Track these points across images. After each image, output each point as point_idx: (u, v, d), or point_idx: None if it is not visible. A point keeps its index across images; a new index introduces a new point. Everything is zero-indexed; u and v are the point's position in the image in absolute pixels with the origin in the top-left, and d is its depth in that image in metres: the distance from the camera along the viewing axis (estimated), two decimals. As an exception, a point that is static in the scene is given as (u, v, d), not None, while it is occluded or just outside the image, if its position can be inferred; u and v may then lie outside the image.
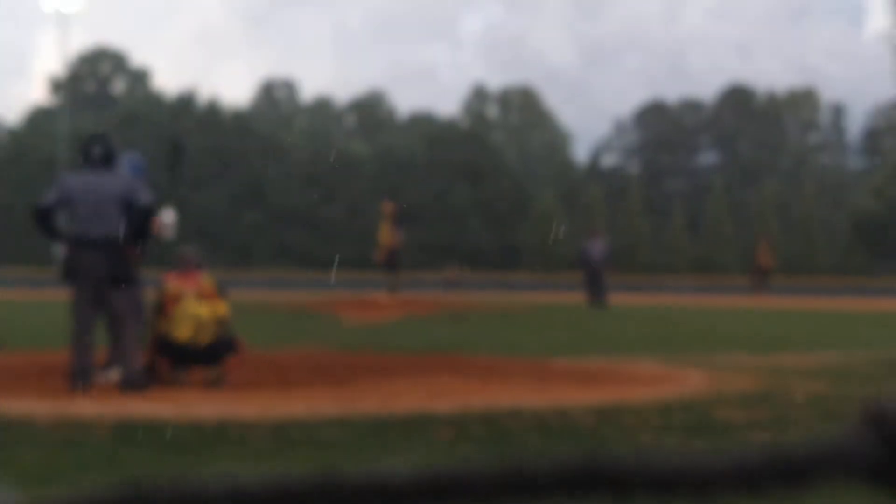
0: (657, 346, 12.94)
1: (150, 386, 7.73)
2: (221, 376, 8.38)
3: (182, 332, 8.41)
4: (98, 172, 8.03)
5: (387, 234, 21.66)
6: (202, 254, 8.97)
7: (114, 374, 8.85)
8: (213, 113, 72.74)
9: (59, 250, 8.94)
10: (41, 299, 8.09)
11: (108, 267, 7.79)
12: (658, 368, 10.04)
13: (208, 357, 8.48)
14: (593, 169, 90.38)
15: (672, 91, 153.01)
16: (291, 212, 70.92)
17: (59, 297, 8.21)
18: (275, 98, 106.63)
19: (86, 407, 6.87)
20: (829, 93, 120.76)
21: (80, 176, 8.09)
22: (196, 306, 8.47)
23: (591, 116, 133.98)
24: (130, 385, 7.60)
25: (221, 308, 8.52)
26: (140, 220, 7.96)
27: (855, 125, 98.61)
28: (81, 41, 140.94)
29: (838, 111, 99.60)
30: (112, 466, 5.33)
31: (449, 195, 73.59)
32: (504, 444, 6.16)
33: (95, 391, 7.56)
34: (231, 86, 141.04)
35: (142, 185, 8.12)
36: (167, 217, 8.90)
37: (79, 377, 7.62)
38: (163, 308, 8.53)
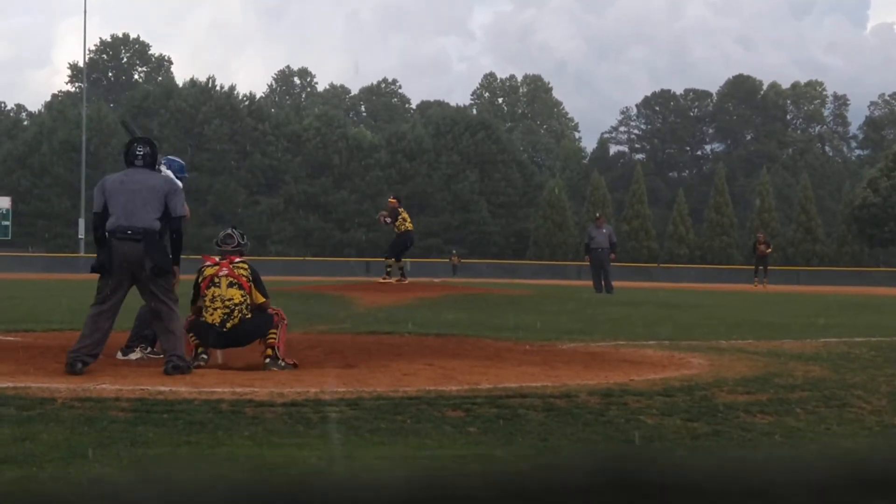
0: (660, 332, 13.08)
1: (193, 371, 7.88)
2: (275, 355, 8.53)
3: (212, 315, 8.65)
4: (137, 171, 8.18)
5: (406, 221, 22.24)
6: (241, 239, 9.10)
7: (134, 356, 9.05)
8: (230, 101, 72.68)
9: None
10: (63, 280, 8.24)
11: (147, 257, 7.90)
12: (661, 353, 10.18)
13: (238, 340, 8.69)
14: (599, 157, 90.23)
15: (677, 82, 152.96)
16: (306, 197, 71.04)
17: (81, 279, 8.34)
18: (290, 87, 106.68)
19: (105, 386, 7.02)
20: (831, 85, 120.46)
21: (121, 173, 8.25)
22: (228, 291, 8.68)
23: (597, 106, 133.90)
24: (177, 370, 7.75)
25: (258, 297, 8.77)
26: (173, 229, 8.12)
27: (857, 117, 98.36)
28: (102, 31, 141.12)
29: (841, 103, 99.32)
30: (131, 444, 5.48)
31: (457, 182, 73.54)
32: (511, 424, 6.33)
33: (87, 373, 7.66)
34: (248, 75, 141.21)
35: (180, 193, 8.24)
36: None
37: (78, 359, 7.71)
38: (198, 289, 8.78)
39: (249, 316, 8.70)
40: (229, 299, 8.68)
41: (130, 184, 8.05)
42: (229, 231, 9.18)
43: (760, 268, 38.41)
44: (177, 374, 7.67)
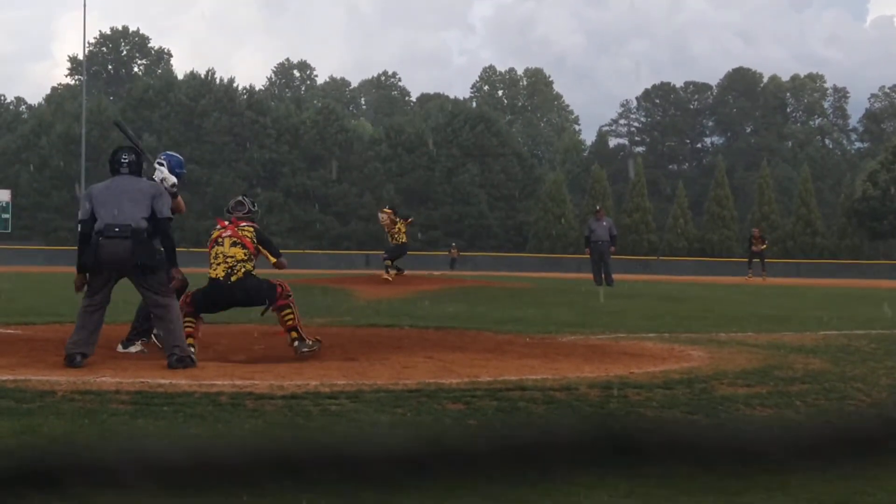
0: (660, 324, 13.09)
1: (197, 365, 7.89)
2: (301, 337, 8.74)
3: (215, 270, 8.86)
4: (123, 177, 8.27)
5: (401, 233, 22.52)
6: (252, 206, 9.26)
7: (134, 349, 9.07)
8: (228, 94, 72.57)
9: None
10: (63, 273, 8.26)
11: (136, 255, 7.94)
12: (661, 346, 10.19)
13: (243, 297, 8.80)
14: (599, 150, 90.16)
15: (677, 75, 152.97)
16: (304, 190, 70.99)
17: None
18: (290, 79, 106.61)
19: (105, 378, 7.03)
20: (831, 77, 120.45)
21: (105, 182, 8.34)
22: (230, 249, 8.86)
23: (597, 99, 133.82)
24: (181, 362, 7.77)
25: (270, 258, 8.98)
26: (160, 230, 8.14)
27: (857, 109, 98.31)
28: (102, 24, 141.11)
29: (841, 95, 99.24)
30: (131, 437, 5.49)
31: (457, 175, 73.52)
32: (511, 417, 6.33)
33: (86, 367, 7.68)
34: (248, 68, 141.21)
35: (166, 197, 8.29)
36: (157, 175, 9.19)
37: (76, 352, 7.75)
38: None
39: (254, 273, 8.87)
40: (231, 256, 8.86)
41: (116, 188, 8.16)
42: (240, 198, 9.40)
43: (756, 261, 38.52)
44: (180, 367, 7.69)
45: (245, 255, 8.85)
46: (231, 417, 6.02)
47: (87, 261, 8.01)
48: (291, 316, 8.79)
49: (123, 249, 7.92)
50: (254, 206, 9.31)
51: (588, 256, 28.32)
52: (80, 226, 8.22)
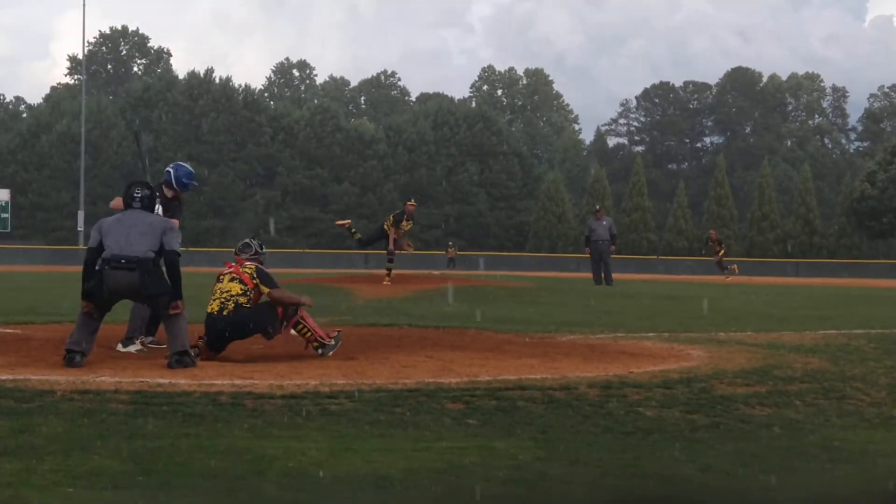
0: (659, 324, 13.09)
1: (196, 365, 7.92)
2: (321, 343, 8.79)
3: (210, 306, 8.85)
4: (135, 212, 8.32)
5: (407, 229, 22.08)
6: (259, 248, 9.28)
7: (134, 348, 9.09)
8: (226, 93, 72.50)
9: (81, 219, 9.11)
10: (63, 273, 8.27)
11: (144, 285, 7.99)
12: (660, 345, 10.19)
13: (236, 330, 8.73)
14: (598, 150, 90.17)
15: (676, 75, 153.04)
16: (303, 189, 70.97)
17: (80, 271, 8.33)
18: (289, 79, 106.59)
19: (104, 378, 7.03)
20: (831, 77, 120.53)
21: (118, 215, 8.39)
22: (227, 284, 8.87)
23: (596, 99, 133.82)
24: (180, 363, 7.79)
25: (264, 290, 8.86)
26: (168, 263, 8.17)
27: (856, 109, 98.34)
28: (101, 23, 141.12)
29: (840, 95, 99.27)
30: (130, 437, 5.49)
31: (457, 174, 73.50)
32: (510, 416, 6.33)
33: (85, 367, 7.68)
34: (247, 67, 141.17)
35: (175, 231, 8.33)
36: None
37: (76, 352, 7.76)
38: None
39: (249, 306, 8.76)
40: (227, 291, 8.85)
41: (127, 221, 8.22)
42: (247, 240, 9.45)
43: (726, 260, 38.80)
44: (179, 368, 7.70)
45: (241, 290, 8.81)
46: (231, 417, 6.02)
47: (95, 290, 8.04)
48: (305, 328, 8.83)
49: (130, 280, 7.98)
50: (261, 249, 9.33)
51: (588, 256, 28.33)
52: (87, 254, 8.27)
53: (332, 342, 8.84)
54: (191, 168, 10.07)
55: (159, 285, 8.09)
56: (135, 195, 8.39)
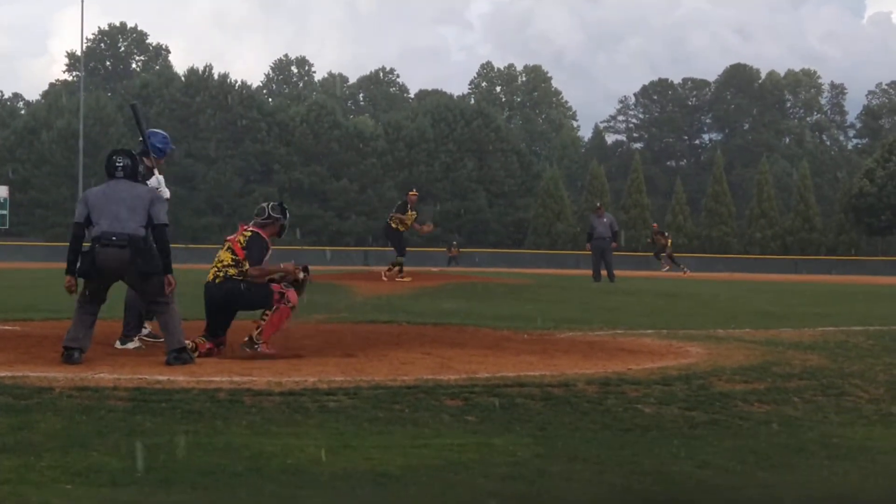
0: (658, 321, 13.09)
1: (194, 361, 7.89)
2: (251, 340, 8.54)
3: (209, 275, 8.83)
4: (119, 182, 8.18)
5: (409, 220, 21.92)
6: (275, 214, 9.05)
7: (132, 345, 9.07)
8: (224, 89, 72.42)
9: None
10: (62, 269, 8.26)
11: (135, 263, 7.91)
12: (659, 342, 10.20)
13: (224, 301, 8.68)
14: (597, 147, 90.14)
15: (675, 72, 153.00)
16: (302, 186, 70.92)
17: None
18: (288, 76, 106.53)
19: (103, 375, 7.02)
20: (829, 74, 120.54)
21: (104, 185, 8.25)
22: (222, 253, 8.84)
23: (595, 96, 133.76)
24: (178, 360, 7.78)
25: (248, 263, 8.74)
26: (157, 237, 8.08)
27: (854, 106, 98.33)
28: (100, 20, 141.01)
29: (838, 92, 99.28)
30: (129, 434, 5.48)
31: (455, 171, 73.45)
32: (509, 413, 6.33)
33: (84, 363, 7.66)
34: (246, 64, 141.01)
35: (162, 201, 8.22)
36: (152, 181, 9.24)
37: (74, 349, 7.73)
38: None
39: (240, 279, 8.67)
40: (221, 260, 8.78)
41: (113, 194, 8.07)
42: (262, 204, 9.29)
43: (663, 255, 38.64)
44: (178, 364, 7.69)
45: (232, 260, 8.70)
46: (229, 414, 6.02)
47: (85, 268, 7.99)
48: (265, 319, 8.59)
49: (122, 258, 7.88)
50: (279, 214, 9.07)
51: (590, 253, 28.35)
52: (73, 227, 8.19)
53: (258, 348, 8.45)
54: (164, 133, 9.93)
55: (151, 263, 7.98)
56: (117, 164, 8.21)
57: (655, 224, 43.22)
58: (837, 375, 8.15)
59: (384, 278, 21.66)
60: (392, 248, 22.61)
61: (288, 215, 9.23)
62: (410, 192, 22.86)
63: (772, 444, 5.80)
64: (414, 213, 22.15)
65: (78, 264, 8.03)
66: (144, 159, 9.44)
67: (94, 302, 8.07)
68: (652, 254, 39.81)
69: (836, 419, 6.66)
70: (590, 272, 28.21)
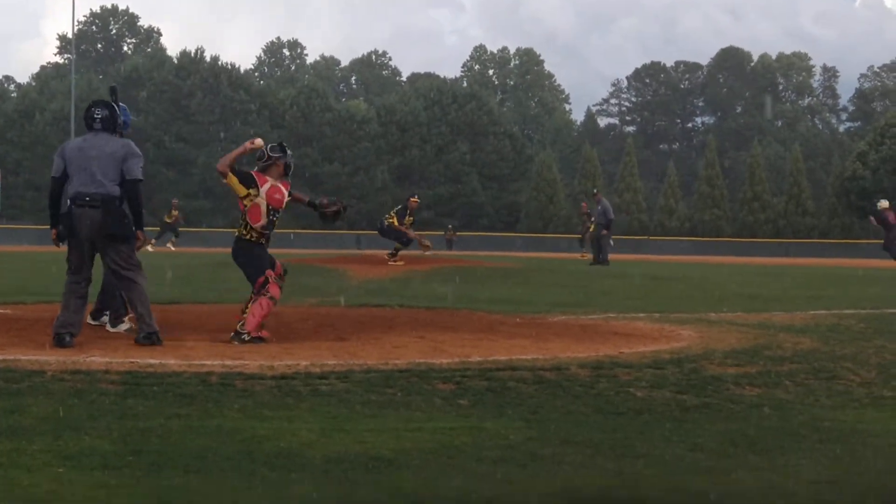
0: (651, 304, 13.11)
1: (163, 342, 7.86)
2: (238, 332, 8.41)
3: None
4: (97, 136, 8.11)
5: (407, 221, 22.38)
6: (274, 153, 9.07)
7: (123, 326, 9.05)
8: (214, 72, 72.06)
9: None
10: (54, 253, 8.28)
11: (105, 224, 7.88)
12: (651, 325, 10.21)
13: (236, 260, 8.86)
14: (590, 130, 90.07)
15: (667, 55, 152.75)
16: (295, 170, 70.65)
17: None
18: (280, 58, 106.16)
19: (95, 358, 7.01)
20: (822, 57, 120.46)
21: (80, 138, 8.19)
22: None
23: (587, 78, 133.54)
24: (148, 339, 7.76)
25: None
26: (129, 192, 8.02)
27: (847, 89, 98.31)
28: (92, 2, 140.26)
29: (830, 75, 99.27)
30: (121, 417, 5.48)
31: (449, 154, 73.32)
32: (501, 397, 6.34)
33: (77, 347, 7.63)
34: (239, 47, 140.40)
35: (137, 157, 8.10)
36: None
37: (65, 332, 7.70)
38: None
39: (248, 238, 8.72)
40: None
41: (89, 150, 7.99)
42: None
43: (585, 239, 38.31)
44: (147, 344, 7.65)
45: (241, 220, 8.78)
46: (221, 398, 6.01)
47: (63, 230, 7.99)
48: (249, 311, 8.49)
49: (94, 218, 7.87)
50: (273, 153, 8.99)
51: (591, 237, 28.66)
52: (51, 182, 8.14)
53: (247, 337, 8.32)
54: (124, 105, 9.90)
55: (121, 225, 7.95)
56: (95, 115, 8.15)
57: (585, 203, 42.84)
58: (829, 359, 8.17)
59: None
60: (399, 247, 22.85)
61: (289, 152, 9.15)
62: (412, 198, 23.16)
63: (763, 428, 5.82)
64: (412, 218, 22.55)
65: (62, 227, 8.04)
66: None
67: (80, 280, 8.00)
68: (579, 236, 39.41)
69: (828, 402, 6.68)
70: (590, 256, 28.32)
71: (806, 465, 4.94)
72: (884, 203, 32.04)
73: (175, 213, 41.36)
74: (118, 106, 9.12)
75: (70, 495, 4.08)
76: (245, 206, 8.71)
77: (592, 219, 38.87)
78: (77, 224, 7.90)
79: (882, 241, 31.35)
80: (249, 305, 8.53)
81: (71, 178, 7.96)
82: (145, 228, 8.38)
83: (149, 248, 33.23)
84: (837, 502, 4.34)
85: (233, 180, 8.67)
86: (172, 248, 36.17)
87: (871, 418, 6.25)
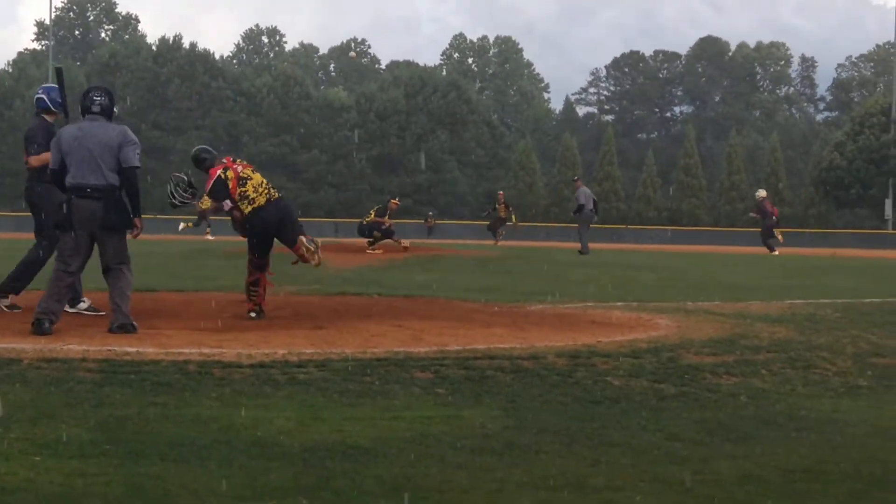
0: (628, 293, 13.15)
1: (138, 331, 7.81)
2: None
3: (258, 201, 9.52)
4: (94, 122, 8.06)
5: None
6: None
7: (83, 305, 9.11)
8: (191, 59, 71.59)
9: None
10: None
11: (107, 216, 7.85)
12: (629, 314, 10.24)
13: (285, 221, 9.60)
14: (568, 119, 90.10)
15: (646, 44, 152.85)
16: (271, 157, 70.43)
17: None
18: (258, 45, 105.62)
19: (72, 346, 6.97)
20: (800, 47, 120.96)
21: (76, 127, 8.13)
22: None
23: (566, 67, 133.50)
24: (122, 328, 7.70)
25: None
26: (126, 181, 7.99)
27: (824, 79, 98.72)
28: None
29: (808, 65, 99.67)
30: (98, 405, 5.46)
31: (428, 143, 73.15)
32: (479, 385, 6.35)
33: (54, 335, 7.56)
34: (216, 34, 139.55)
35: (133, 144, 8.05)
36: None
37: (45, 318, 7.63)
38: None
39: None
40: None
41: (86, 140, 7.93)
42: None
43: (498, 226, 38.34)
44: (121, 333, 7.60)
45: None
46: (198, 386, 6.00)
47: (61, 220, 7.95)
48: (255, 293, 9.26)
49: (95, 209, 7.84)
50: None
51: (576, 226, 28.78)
52: (51, 175, 8.12)
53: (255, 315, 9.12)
54: (55, 86, 9.87)
55: (121, 217, 7.95)
56: (94, 99, 8.11)
57: (502, 192, 42.82)
58: (805, 348, 8.22)
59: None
60: (378, 235, 23.12)
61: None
62: (393, 200, 24.80)
63: (740, 417, 5.85)
64: (389, 220, 23.57)
65: (58, 216, 8.02)
66: (47, 117, 9.66)
67: (69, 270, 7.91)
68: (488, 222, 39.38)
69: (804, 391, 6.73)
70: (572, 245, 28.39)
71: (782, 453, 4.97)
72: (762, 192, 33.67)
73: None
74: (60, 88, 9.14)
75: (47, 483, 4.07)
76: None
77: (511, 208, 38.96)
78: (76, 213, 7.86)
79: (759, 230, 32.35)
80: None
81: (70, 170, 7.92)
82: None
83: (209, 237, 33.57)
84: (814, 491, 4.36)
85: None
86: (210, 238, 35.87)
87: (848, 407, 6.30)
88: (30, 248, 9.36)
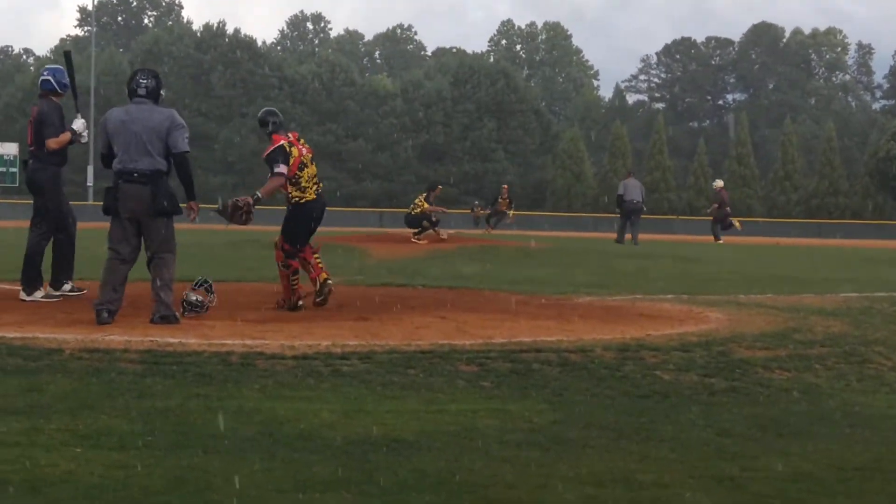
0: (678, 285, 12.97)
1: (181, 321, 7.79)
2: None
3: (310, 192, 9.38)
4: (140, 106, 7.98)
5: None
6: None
7: (67, 286, 9.34)
8: (235, 46, 71.85)
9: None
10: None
11: (156, 202, 7.80)
12: (679, 307, 10.09)
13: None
14: (618, 107, 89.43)
15: (698, 31, 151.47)
16: (316, 146, 70.53)
17: (89, 227, 8.26)
18: (303, 32, 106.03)
19: (114, 337, 6.96)
20: (857, 33, 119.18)
21: (122, 110, 8.06)
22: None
23: (616, 54, 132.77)
24: (164, 319, 7.67)
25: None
26: (178, 166, 7.95)
27: (881, 66, 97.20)
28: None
29: (865, 52, 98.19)
30: (139, 396, 5.44)
31: (475, 131, 72.92)
32: (525, 379, 6.26)
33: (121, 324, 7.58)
34: (261, 20, 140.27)
35: (181, 128, 7.99)
36: (78, 125, 9.53)
37: (103, 309, 7.63)
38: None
39: (294, 200, 9.21)
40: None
41: (132, 124, 7.85)
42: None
43: (496, 219, 38.38)
44: (164, 324, 7.57)
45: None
46: (241, 377, 5.96)
47: (108, 204, 7.93)
48: (297, 281, 9.24)
49: (143, 195, 7.78)
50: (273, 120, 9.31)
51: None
52: (101, 160, 8.14)
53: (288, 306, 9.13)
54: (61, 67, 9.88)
55: (170, 202, 7.89)
56: (140, 81, 8.01)
57: (506, 186, 42.67)
58: (860, 342, 8.04)
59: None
60: (427, 225, 23.16)
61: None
62: (438, 187, 25.14)
63: (792, 413, 5.73)
64: (437, 206, 23.74)
65: (106, 201, 8.01)
66: (54, 98, 9.69)
67: (121, 258, 7.87)
68: (488, 213, 39.36)
69: (858, 387, 6.58)
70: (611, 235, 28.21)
71: (836, 450, 4.85)
72: (719, 182, 34.44)
73: None
74: (69, 71, 9.17)
75: (87, 475, 4.06)
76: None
77: (512, 205, 38.95)
78: (125, 199, 7.82)
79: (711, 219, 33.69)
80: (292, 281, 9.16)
81: (118, 155, 7.87)
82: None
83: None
84: (869, 489, 4.24)
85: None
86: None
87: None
88: (29, 238, 9.43)
